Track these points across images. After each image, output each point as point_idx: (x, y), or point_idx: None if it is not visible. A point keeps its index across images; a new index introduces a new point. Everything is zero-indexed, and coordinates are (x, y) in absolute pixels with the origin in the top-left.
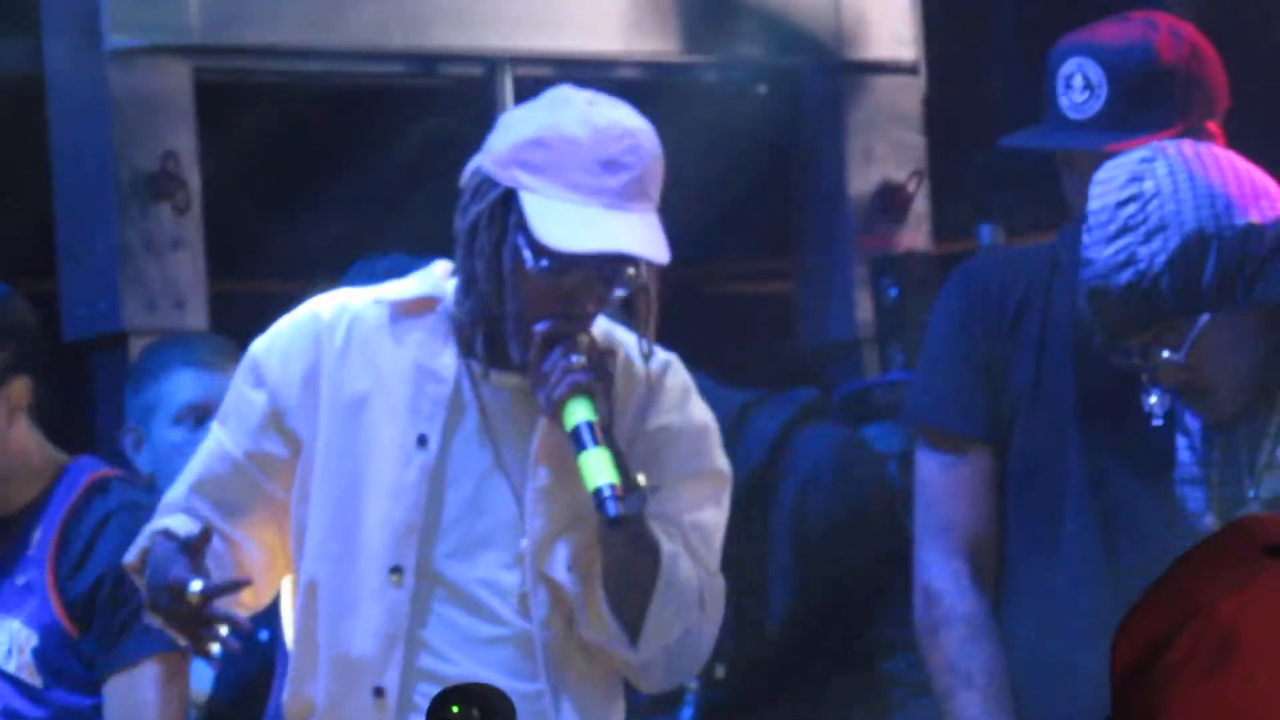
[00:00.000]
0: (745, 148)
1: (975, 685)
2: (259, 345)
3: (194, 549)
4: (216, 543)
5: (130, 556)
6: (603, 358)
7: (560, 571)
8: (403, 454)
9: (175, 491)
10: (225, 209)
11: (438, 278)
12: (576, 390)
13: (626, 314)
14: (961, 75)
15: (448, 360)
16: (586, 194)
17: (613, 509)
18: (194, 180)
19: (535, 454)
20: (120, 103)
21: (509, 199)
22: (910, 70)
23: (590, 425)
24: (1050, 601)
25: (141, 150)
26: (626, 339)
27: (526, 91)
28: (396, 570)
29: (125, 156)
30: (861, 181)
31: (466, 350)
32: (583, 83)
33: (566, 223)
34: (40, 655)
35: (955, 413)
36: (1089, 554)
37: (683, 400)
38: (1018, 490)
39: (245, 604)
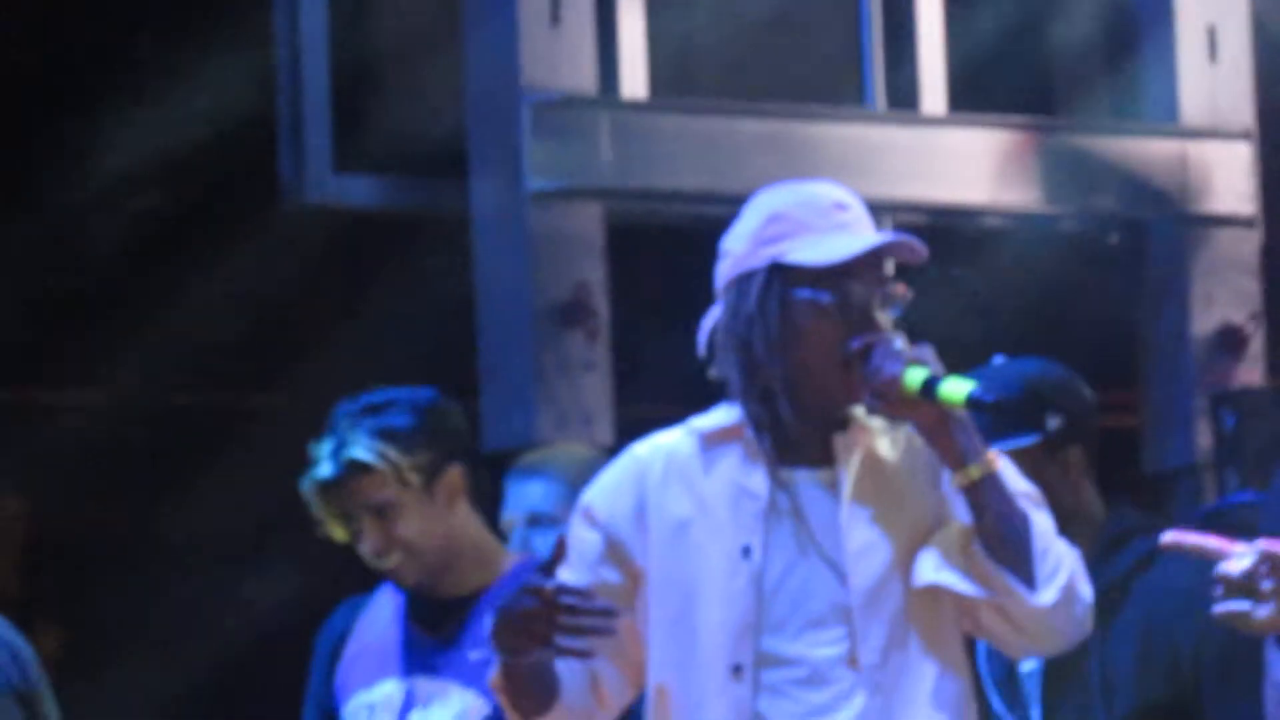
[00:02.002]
0: (1097, 290)
1: None
2: (589, 492)
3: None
4: (571, 675)
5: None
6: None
7: (928, 576)
8: (730, 564)
9: None
10: (632, 337)
11: (738, 410)
12: (910, 363)
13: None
14: None
15: (759, 478)
16: (835, 229)
17: (990, 395)
18: (604, 310)
19: (843, 524)
20: (538, 239)
21: (770, 277)
22: (1249, 223)
23: (933, 376)
24: None
25: (556, 282)
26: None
27: None
28: (737, 668)
29: (542, 287)
30: (1203, 323)
31: (772, 464)
32: (953, 229)
33: (833, 247)
34: None
35: None
36: None
37: None
38: None
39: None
